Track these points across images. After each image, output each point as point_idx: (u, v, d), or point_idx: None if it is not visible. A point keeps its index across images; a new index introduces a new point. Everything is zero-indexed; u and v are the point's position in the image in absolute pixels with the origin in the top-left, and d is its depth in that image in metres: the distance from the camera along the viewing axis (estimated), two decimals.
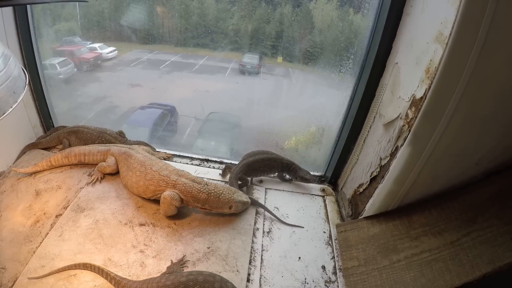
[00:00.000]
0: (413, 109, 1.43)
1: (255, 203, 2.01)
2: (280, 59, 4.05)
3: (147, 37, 4.07)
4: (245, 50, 4.27)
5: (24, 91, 1.19)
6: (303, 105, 3.78)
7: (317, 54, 3.45)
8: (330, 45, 3.16)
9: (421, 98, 1.37)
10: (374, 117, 1.83)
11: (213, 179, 2.23)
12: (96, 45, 4.14)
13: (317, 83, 3.60)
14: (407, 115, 1.47)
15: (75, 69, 3.93)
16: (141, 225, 1.86)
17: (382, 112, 1.73)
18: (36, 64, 2.40)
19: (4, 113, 1.07)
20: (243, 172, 2.11)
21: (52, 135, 2.51)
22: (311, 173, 2.24)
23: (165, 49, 4.58)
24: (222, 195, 1.83)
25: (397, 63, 1.64)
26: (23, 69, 1.28)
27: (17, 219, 1.90)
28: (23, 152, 2.44)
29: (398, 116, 1.54)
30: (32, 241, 1.77)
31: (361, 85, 1.87)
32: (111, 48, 4.29)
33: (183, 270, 1.57)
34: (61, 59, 3.59)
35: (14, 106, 1.11)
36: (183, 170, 1.95)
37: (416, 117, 1.39)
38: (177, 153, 2.55)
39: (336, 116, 2.12)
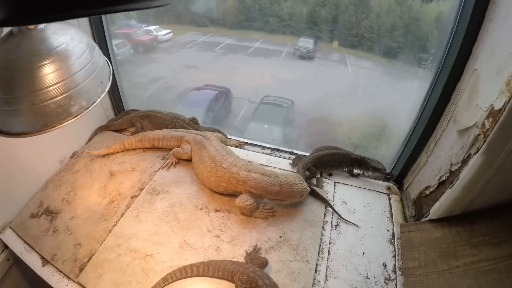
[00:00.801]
0: (490, 120, 1.40)
1: (317, 196, 2.01)
2: (336, 44, 3.97)
3: (202, 20, 4.14)
4: (299, 33, 4.20)
5: (110, 80, 1.22)
6: (363, 96, 3.68)
7: (374, 40, 3.35)
8: (387, 31, 3.05)
9: (500, 110, 1.34)
10: (448, 121, 1.80)
11: (284, 169, 2.26)
12: (152, 27, 4.26)
13: (374, 71, 3.52)
14: (483, 124, 1.44)
15: (132, 50, 4.10)
16: (216, 211, 1.91)
17: (457, 117, 1.70)
18: (107, 48, 2.48)
19: (93, 103, 1.12)
20: (312, 164, 2.16)
21: (124, 118, 2.62)
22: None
23: (219, 32, 4.62)
24: (295, 185, 1.82)
25: (476, 69, 1.59)
26: (105, 59, 1.30)
27: (92, 198, 2.00)
28: (95, 133, 2.58)
29: (474, 124, 1.51)
30: (107, 220, 1.86)
31: (437, 87, 1.83)
32: (166, 31, 4.39)
33: (260, 255, 1.64)
34: (118, 41, 3.77)
35: (102, 96, 1.15)
36: (252, 163, 1.96)
37: (492, 128, 1.37)
38: (248, 141, 2.57)
39: (409, 116, 2.07)
